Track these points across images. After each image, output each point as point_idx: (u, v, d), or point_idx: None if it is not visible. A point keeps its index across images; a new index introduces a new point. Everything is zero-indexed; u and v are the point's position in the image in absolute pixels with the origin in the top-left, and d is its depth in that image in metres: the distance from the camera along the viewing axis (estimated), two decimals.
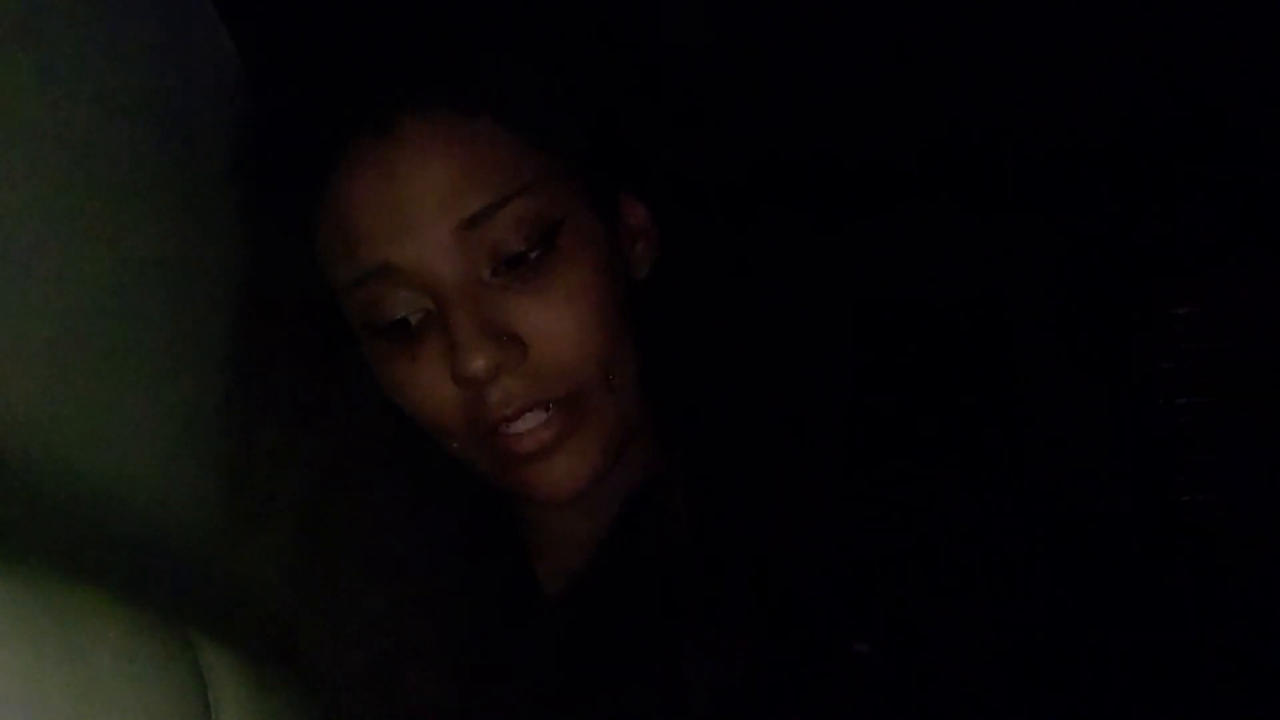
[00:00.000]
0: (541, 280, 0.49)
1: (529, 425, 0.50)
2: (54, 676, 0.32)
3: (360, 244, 0.49)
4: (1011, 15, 1.01)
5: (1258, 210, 1.25)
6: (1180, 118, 1.18)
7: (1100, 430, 1.31)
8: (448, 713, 0.52)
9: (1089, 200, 1.26)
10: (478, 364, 0.48)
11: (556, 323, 0.49)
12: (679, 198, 0.57)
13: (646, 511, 0.56)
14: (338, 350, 0.53)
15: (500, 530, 0.58)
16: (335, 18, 0.52)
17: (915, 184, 1.22)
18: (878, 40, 1.03)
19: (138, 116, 0.58)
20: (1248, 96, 1.15)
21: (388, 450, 0.55)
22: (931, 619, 0.53)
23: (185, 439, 0.55)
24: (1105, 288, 1.32)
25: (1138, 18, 1.03)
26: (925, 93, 1.12)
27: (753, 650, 0.51)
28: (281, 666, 0.48)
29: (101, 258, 0.53)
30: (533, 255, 0.49)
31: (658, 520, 0.56)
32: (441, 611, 0.53)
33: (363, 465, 0.55)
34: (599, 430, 0.51)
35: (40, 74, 0.51)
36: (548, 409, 0.50)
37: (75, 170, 0.52)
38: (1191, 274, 1.34)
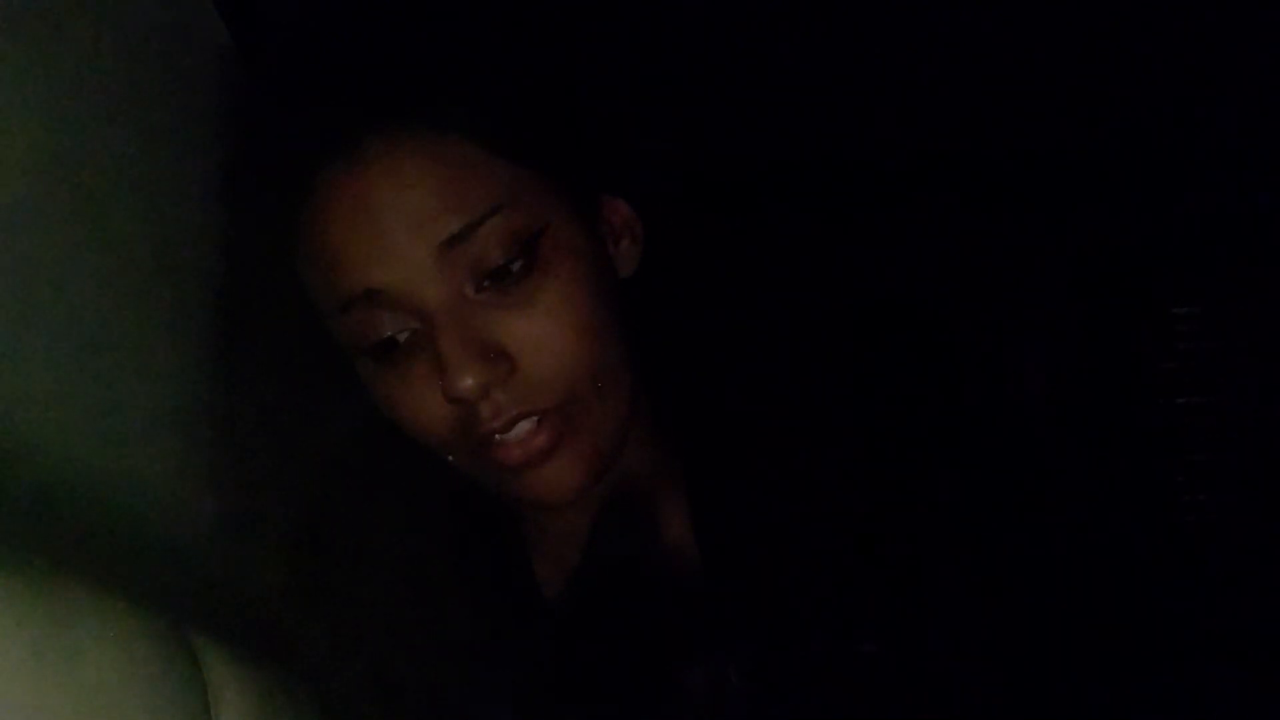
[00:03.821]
0: (525, 292, 0.49)
1: (520, 435, 0.50)
2: (54, 676, 0.32)
3: (341, 270, 0.48)
4: (1010, 14, 1.01)
5: (1258, 210, 1.25)
6: (1180, 117, 1.18)
7: (1100, 430, 1.31)
8: (448, 714, 0.52)
9: (1089, 200, 1.26)
10: (467, 383, 0.47)
11: (543, 334, 0.49)
12: (661, 194, 0.57)
13: (627, 511, 0.56)
14: (337, 353, 0.53)
15: (502, 531, 0.58)
16: (297, 44, 0.52)
17: (911, 179, 1.22)
18: (873, 35, 1.03)
19: (139, 117, 0.57)
20: (1248, 97, 1.15)
21: (389, 450, 0.55)
22: (937, 618, 0.53)
23: (186, 440, 0.55)
24: (1105, 287, 1.32)
25: (1137, 17, 1.03)
26: (920, 89, 1.12)
27: (757, 650, 0.51)
28: (281, 666, 0.48)
29: (103, 259, 0.53)
30: (515, 268, 0.49)
31: (641, 519, 0.56)
32: (442, 612, 0.53)
33: (364, 465, 0.55)
34: (591, 435, 0.51)
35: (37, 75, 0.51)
36: (539, 419, 0.50)
37: (74, 171, 0.52)
38: (1191, 274, 1.34)
